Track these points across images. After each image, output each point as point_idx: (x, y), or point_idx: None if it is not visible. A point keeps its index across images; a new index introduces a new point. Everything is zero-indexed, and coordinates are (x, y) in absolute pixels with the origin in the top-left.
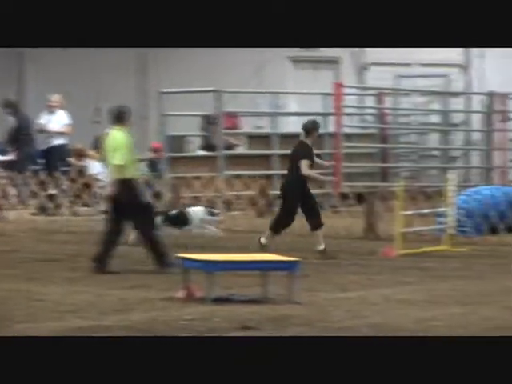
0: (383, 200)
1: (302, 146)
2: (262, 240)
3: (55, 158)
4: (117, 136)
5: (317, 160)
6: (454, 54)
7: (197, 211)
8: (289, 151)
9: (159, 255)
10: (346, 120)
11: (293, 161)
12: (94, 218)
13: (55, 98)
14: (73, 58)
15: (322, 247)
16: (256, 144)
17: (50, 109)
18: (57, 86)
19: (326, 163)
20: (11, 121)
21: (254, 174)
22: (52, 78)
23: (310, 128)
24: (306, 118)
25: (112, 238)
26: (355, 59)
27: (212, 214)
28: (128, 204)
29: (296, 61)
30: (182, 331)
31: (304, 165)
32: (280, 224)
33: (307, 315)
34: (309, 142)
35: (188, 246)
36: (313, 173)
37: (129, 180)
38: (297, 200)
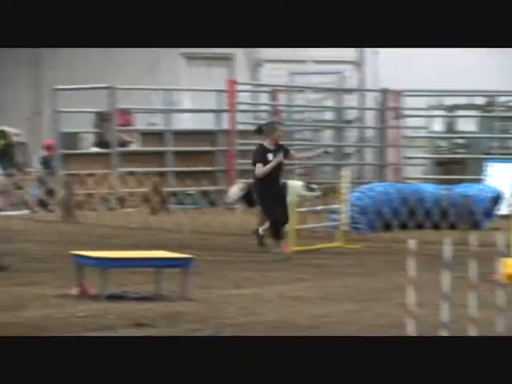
0: None
1: (256, 150)
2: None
3: None
4: None
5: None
6: (347, 51)
7: (295, 185)
8: (182, 148)
9: None
10: (239, 117)
11: (253, 165)
12: None
13: None
14: None
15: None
16: (149, 141)
17: None
18: None
19: (299, 155)
20: None
21: (148, 171)
22: None
23: (266, 130)
24: (200, 115)
25: None
26: (249, 56)
27: (311, 190)
28: None
29: (190, 58)
30: (75, 328)
31: (257, 168)
32: (274, 229)
33: (201, 312)
34: (266, 143)
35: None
36: (264, 168)
37: None
38: (265, 200)
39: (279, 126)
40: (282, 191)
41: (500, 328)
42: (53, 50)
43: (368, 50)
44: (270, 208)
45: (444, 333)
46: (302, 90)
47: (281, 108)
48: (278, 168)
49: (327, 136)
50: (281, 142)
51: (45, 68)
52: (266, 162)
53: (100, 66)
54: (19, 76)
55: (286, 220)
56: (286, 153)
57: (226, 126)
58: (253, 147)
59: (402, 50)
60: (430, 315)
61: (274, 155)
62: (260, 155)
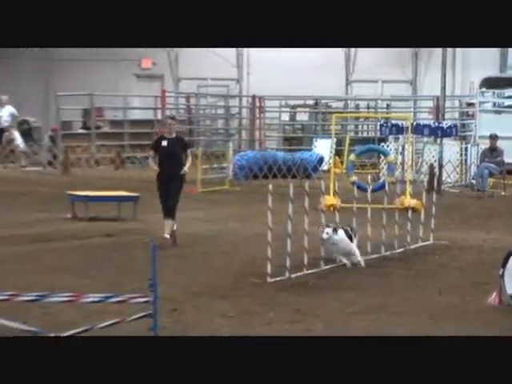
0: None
1: (156, 137)
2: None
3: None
4: None
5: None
6: (233, 72)
7: None
8: (134, 130)
9: None
10: (167, 112)
11: None
12: None
13: None
14: None
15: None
16: (114, 126)
17: None
18: None
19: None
20: None
21: (113, 144)
22: None
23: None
24: (144, 111)
25: None
26: (173, 75)
27: None
28: None
29: (138, 76)
30: (68, 238)
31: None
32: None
33: (144, 228)
34: (165, 133)
35: None
36: (151, 153)
37: None
38: (157, 184)
39: (170, 120)
40: (173, 177)
41: (324, 236)
42: (60, 64)
43: (244, 71)
44: (159, 192)
45: (288, 239)
46: (204, 95)
47: (191, 107)
48: (170, 155)
49: (220, 123)
50: (179, 134)
51: (53, 79)
52: (158, 147)
53: (86, 79)
54: (37, 84)
55: (167, 206)
56: (181, 143)
57: (159, 117)
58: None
59: (268, 69)
60: (280, 229)
61: (168, 143)
62: (154, 142)
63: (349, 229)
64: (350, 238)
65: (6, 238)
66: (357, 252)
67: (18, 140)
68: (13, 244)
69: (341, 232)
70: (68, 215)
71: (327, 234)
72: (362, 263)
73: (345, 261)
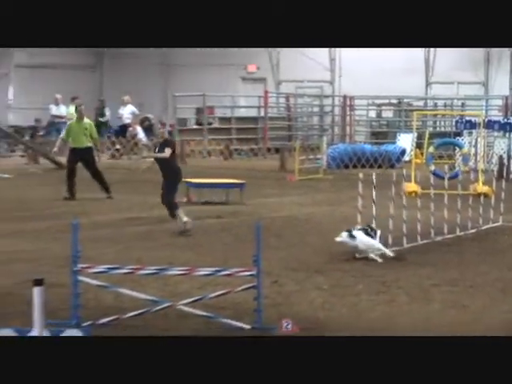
0: (290, 151)
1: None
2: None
3: (124, 130)
4: None
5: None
6: (327, 74)
7: None
8: (240, 126)
9: None
10: (269, 110)
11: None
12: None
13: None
14: None
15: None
16: (223, 122)
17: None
18: None
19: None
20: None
21: (222, 138)
22: None
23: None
24: (249, 109)
25: None
26: (274, 78)
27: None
28: None
29: (244, 79)
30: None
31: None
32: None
33: (249, 210)
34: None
35: None
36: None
37: None
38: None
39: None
40: (170, 174)
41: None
42: (177, 68)
43: (336, 74)
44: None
45: (374, 221)
46: (301, 95)
47: (290, 106)
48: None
49: (315, 120)
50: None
51: (170, 81)
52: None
53: (199, 81)
54: (157, 86)
55: (164, 201)
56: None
57: (262, 114)
58: (277, 126)
59: (358, 72)
60: (367, 212)
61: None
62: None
63: (368, 228)
64: (370, 237)
65: (131, 219)
66: (380, 246)
67: (141, 134)
68: (136, 224)
69: (358, 233)
70: (184, 199)
71: (341, 237)
72: (390, 254)
73: (374, 257)
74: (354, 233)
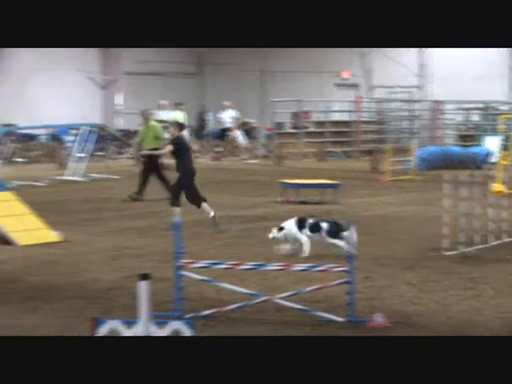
0: (381, 153)
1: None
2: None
3: (224, 134)
4: None
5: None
6: (414, 80)
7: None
8: (334, 129)
9: None
10: (363, 114)
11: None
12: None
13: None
14: None
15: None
16: (317, 126)
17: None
18: None
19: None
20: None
21: (316, 141)
22: None
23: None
24: (342, 113)
25: None
26: (367, 83)
27: None
28: None
29: (338, 85)
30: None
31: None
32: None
33: (344, 209)
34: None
35: None
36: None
37: None
38: None
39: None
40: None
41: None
42: (274, 75)
43: (426, 80)
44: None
45: (462, 219)
46: (392, 100)
47: (382, 110)
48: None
49: (405, 124)
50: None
51: (268, 88)
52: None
53: (295, 87)
54: (256, 92)
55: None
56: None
57: (354, 118)
58: (369, 129)
59: (444, 77)
60: (455, 212)
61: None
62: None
63: (332, 223)
64: (336, 233)
65: (233, 218)
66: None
67: (240, 138)
68: (236, 223)
69: (288, 223)
70: (280, 199)
71: (272, 233)
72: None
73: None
74: (284, 224)
